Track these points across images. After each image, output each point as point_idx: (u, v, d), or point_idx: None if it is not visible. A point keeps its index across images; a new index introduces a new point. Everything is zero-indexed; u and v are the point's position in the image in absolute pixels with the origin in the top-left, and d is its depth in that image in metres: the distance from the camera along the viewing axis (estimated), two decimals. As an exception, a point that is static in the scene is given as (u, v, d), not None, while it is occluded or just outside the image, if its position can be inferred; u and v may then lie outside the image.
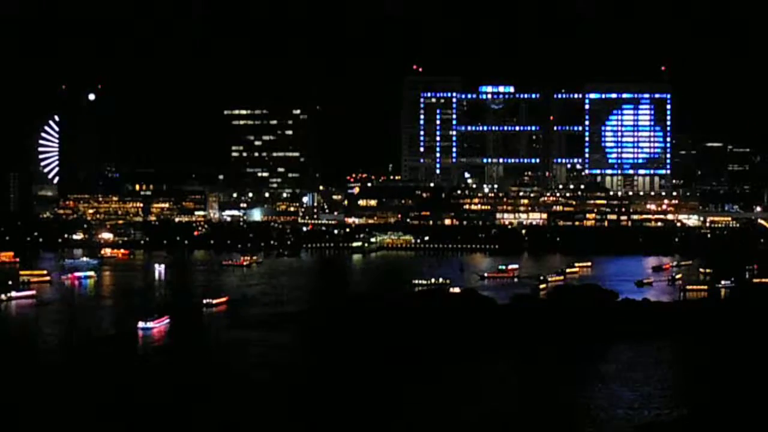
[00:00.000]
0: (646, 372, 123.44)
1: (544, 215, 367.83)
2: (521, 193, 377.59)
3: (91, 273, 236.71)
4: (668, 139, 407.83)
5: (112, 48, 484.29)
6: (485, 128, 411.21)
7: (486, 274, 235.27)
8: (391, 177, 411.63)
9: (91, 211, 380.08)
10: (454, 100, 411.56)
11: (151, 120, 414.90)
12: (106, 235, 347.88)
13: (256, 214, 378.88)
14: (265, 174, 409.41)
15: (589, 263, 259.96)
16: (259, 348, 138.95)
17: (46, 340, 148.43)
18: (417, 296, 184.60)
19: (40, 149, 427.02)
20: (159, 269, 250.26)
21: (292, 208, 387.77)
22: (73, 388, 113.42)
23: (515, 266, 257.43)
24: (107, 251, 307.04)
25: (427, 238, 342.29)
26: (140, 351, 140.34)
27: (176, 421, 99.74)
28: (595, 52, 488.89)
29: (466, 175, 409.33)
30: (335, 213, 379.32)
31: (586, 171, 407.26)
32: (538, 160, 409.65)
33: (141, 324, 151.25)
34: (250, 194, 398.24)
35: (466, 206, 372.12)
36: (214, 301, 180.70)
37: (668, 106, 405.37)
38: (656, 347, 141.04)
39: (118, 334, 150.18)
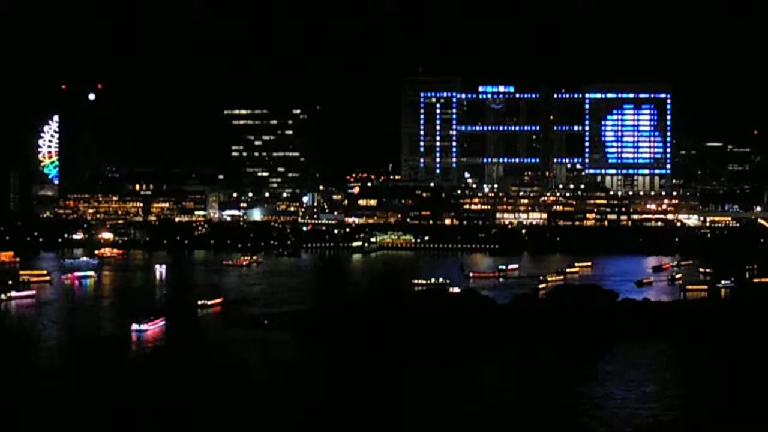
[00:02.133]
0: (646, 372, 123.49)
1: (544, 215, 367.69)
2: (521, 193, 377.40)
3: (91, 273, 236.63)
4: (668, 139, 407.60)
5: (112, 48, 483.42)
6: (485, 128, 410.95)
7: (471, 274, 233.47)
8: (391, 177, 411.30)
9: (91, 210, 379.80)
10: (454, 100, 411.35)
11: (151, 120, 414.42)
12: (107, 235, 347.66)
13: (256, 214, 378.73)
14: (265, 174, 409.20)
15: (589, 263, 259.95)
16: (257, 348, 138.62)
17: (41, 341, 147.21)
18: (417, 296, 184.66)
19: (40, 149, 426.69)
20: (160, 269, 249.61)
21: (292, 208, 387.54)
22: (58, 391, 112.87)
23: (515, 266, 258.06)
24: (102, 251, 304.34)
25: (427, 238, 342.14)
26: (131, 354, 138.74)
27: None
28: (595, 52, 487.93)
29: (466, 175, 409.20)
30: (335, 213, 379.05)
31: (586, 171, 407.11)
32: (538, 160, 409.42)
33: (134, 326, 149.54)
34: (250, 194, 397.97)
35: (466, 206, 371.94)
36: (210, 302, 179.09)
37: (668, 106, 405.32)
38: (656, 347, 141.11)
39: (111, 336, 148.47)
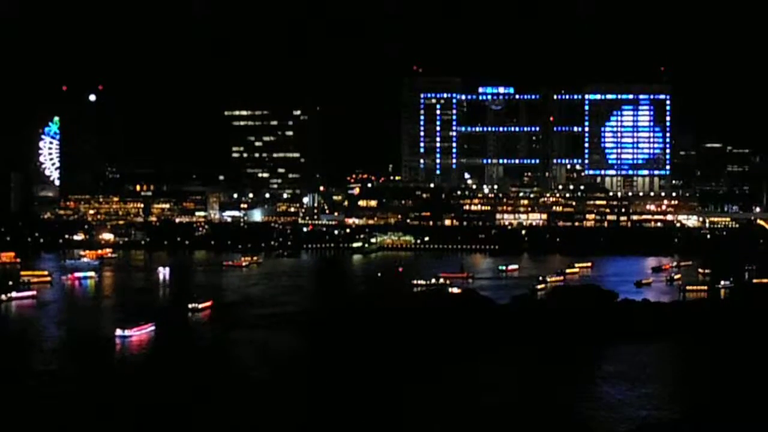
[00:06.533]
0: (646, 372, 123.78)
1: (544, 216, 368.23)
2: (521, 194, 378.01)
3: (92, 273, 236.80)
4: (668, 140, 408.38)
5: (112, 48, 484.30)
6: (485, 129, 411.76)
7: (441, 274, 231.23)
8: (391, 177, 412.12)
9: (91, 211, 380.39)
10: (454, 100, 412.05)
11: (151, 120, 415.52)
12: (107, 236, 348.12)
13: (257, 215, 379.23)
14: (266, 174, 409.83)
15: (589, 263, 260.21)
16: (251, 351, 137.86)
17: (36, 343, 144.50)
18: (417, 296, 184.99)
19: (41, 150, 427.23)
20: (163, 271, 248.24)
21: (292, 209, 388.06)
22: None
23: (515, 266, 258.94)
24: (88, 252, 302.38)
25: (427, 238, 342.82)
26: (107, 361, 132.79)
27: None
28: (595, 53, 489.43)
29: (466, 175, 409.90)
30: (335, 213, 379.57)
31: (586, 171, 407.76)
32: (537, 161, 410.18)
33: (119, 332, 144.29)
34: (251, 195, 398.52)
35: (466, 207, 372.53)
36: (200, 306, 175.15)
37: (668, 107, 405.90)
38: (656, 347, 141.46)
39: (95, 342, 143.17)
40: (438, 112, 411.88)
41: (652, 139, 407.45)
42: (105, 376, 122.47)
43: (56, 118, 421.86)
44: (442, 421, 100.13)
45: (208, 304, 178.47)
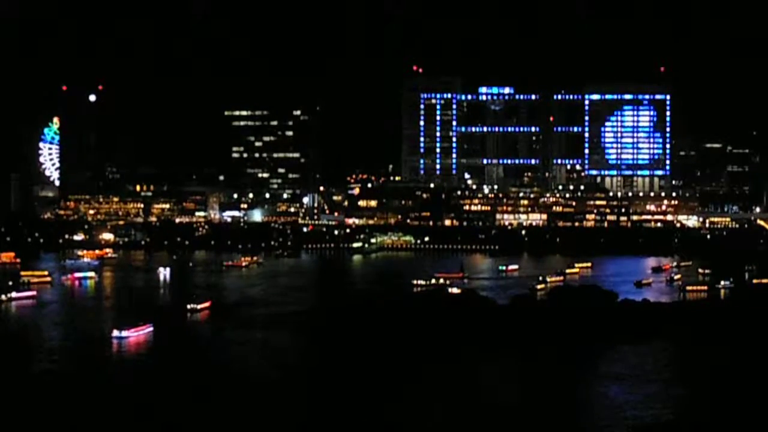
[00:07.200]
0: (646, 372, 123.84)
1: (544, 216, 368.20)
2: (521, 194, 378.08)
3: (92, 274, 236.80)
4: (668, 140, 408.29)
5: (112, 48, 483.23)
6: (485, 129, 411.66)
7: (438, 274, 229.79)
8: (392, 178, 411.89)
9: (92, 211, 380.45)
10: (454, 101, 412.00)
11: (151, 120, 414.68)
12: (107, 236, 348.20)
13: (257, 215, 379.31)
14: (266, 175, 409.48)
15: (588, 264, 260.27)
16: (250, 351, 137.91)
17: (34, 345, 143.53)
18: (416, 297, 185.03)
19: (41, 151, 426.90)
20: (164, 272, 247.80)
21: (292, 209, 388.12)
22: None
23: (515, 266, 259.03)
24: (84, 252, 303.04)
25: (427, 238, 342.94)
26: (105, 362, 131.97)
27: None
28: (595, 53, 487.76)
29: (466, 175, 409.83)
30: (335, 214, 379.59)
31: (586, 172, 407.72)
32: (537, 161, 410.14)
33: (115, 333, 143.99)
34: (251, 195, 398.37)
35: (466, 207, 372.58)
36: (199, 306, 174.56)
37: (668, 107, 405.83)
38: (656, 347, 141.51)
39: (93, 343, 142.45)
40: (438, 112, 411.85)
41: (652, 140, 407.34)
42: (102, 376, 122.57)
43: (54, 122, 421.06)
44: (442, 421, 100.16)
45: (206, 304, 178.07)
